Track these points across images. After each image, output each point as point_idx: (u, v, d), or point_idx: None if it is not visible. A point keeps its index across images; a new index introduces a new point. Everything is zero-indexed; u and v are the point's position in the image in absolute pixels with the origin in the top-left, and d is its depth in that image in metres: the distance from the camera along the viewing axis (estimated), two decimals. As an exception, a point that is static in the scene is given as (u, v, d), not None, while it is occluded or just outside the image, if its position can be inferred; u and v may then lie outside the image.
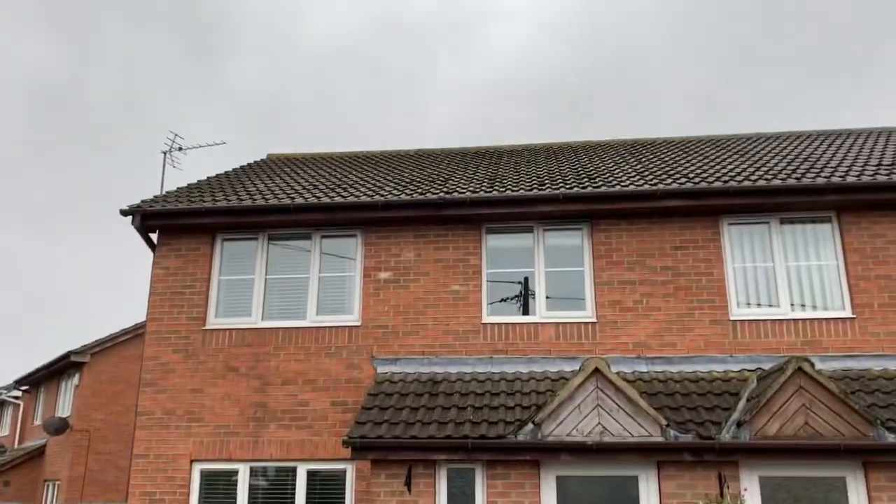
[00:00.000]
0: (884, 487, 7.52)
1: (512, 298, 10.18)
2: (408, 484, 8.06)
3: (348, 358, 9.99)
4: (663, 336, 9.55)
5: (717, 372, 9.12)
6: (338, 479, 9.60)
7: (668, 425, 7.78)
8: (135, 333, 21.38)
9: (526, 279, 10.13)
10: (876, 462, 7.56)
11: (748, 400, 8.15)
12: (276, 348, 10.13)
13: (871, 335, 9.22)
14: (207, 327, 10.30)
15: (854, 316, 9.36)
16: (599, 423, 7.88)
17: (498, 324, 9.88)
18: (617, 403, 7.90)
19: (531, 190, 9.94)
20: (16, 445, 26.02)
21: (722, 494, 7.59)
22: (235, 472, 9.73)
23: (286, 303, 10.45)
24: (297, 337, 10.15)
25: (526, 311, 10.05)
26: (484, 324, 9.90)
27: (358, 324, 10.12)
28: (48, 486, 21.58)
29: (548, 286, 9.99)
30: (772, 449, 7.57)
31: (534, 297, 10.00)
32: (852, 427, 7.52)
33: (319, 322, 10.20)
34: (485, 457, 7.98)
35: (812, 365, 7.76)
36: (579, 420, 7.92)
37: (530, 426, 8.01)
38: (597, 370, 7.98)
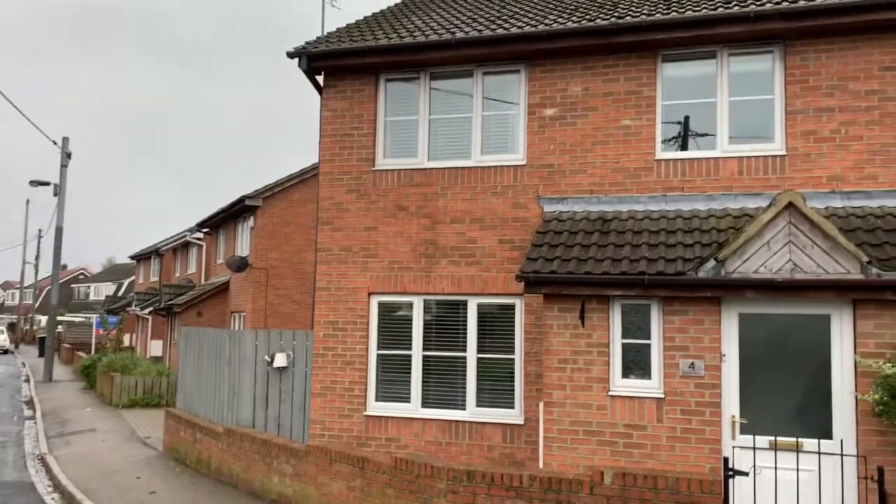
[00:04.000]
0: None
1: (691, 134, 9.52)
2: (581, 318, 8.09)
3: (514, 197, 9.90)
4: (864, 168, 8.65)
5: (926, 206, 8.23)
6: (507, 313, 9.83)
7: (869, 262, 7.19)
8: (300, 179, 22.48)
9: (687, 118, 9.40)
10: None
11: (967, 236, 7.33)
12: (443, 188, 10.20)
13: None
14: (377, 168, 10.50)
15: None
16: (790, 259, 7.42)
17: (673, 160, 9.32)
18: (811, 239, 7.37)
19: (716, 9, 8.96)
20: (202, 282, 28.91)
21: (928, 335, 7.06)
22: (410, 304, 10.19)
23: (451, 143, 10.38)
24: (462, 177, 10.14)
25: (685, 147, 9.40)
26: (658, 160, 9.38)
27: (523, 163, 9.92)
28: (235, 316, 23.95)
29: (730, 118, 9.21)
30: None
31: (692, 136, 9.29)
32: None
33: (484, 162, 10.10)
34: (662, 293, 7.80)
35: None
36: (768, 257, 7.48)
37: (712, 263, 7.68)
38: (790, 205, 7.41)
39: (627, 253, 8.20)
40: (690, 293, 7.72)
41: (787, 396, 7.64)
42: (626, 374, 8.04)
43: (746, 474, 6.67)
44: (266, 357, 11.10)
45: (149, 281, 39.14)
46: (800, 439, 7.34)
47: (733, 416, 7.68)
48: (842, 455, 6.68)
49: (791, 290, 7.39)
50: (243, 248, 23.70)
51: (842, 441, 6.98)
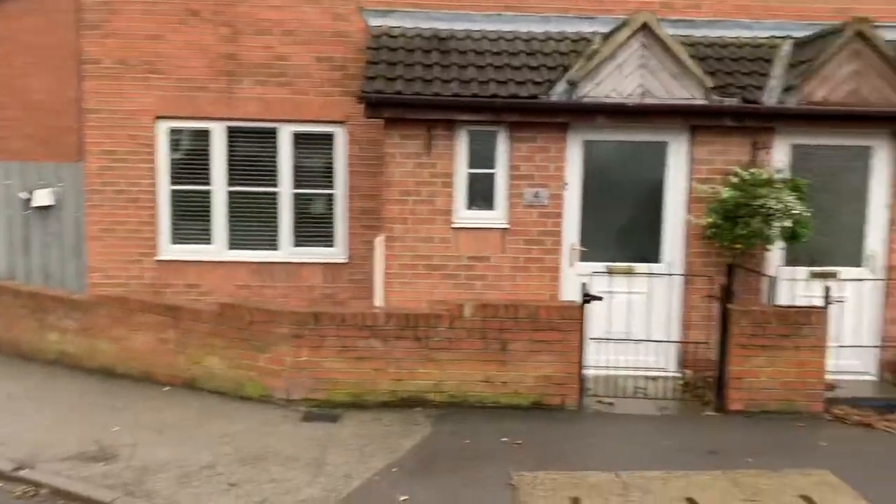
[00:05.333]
0: (908, 156, 7.53)
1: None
2: (428, 145, 7.38)
3: (332, 6, 8.59)
4: (689, -4, 8.63)
5: (745, 38, 8.44)
6: (326, 143, 8.80)
7: (713, 88, 7.25)
8: (20, -17, 18.23)
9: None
10: (907, 131, 7.46)
11: (792, 66, 7.64)
12: (246, -10, 8.54)
13: (903, 6, 8.64)
14: (158, -41, 8.47)
15: (891, -17, 8.68)
16: (641, 84, 7.24)
17: (488, -28, 8.59)
18: (662, 64, 7.21)
19: None
20: None
21: (754, 161, 7.41)
22: (209, 131, 8.70)
23: (252, -66, 8.62)
24: (269, -22, 8.54)
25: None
26: (463, -29, 8.59)
27: (342, -34, 8.56)
28: None
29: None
30: (817, 115, 7.28)
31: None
32: (899, 96, 7.25)
33: (296, -39, 8.56)
34: (513, 118, 7.31)
35: (873, 28, 7.20)
36: (619, 80, 7.23)
37: (564, 86, 7.29)
38: (645, 25, 7.11)
39: (474, 75, 7.50)
40: (541, 118, 7.31)
41: (624, 223, 7.75)
42: (470, 206, 7.58)
43: (601, 299, 6.68)
44: (22, 195, 9.01)
45: None
46: (636, 263, 7.54)
47: (573, 245, 7.64)
48: (686, 275, 6.95)
49: (641, 115, 7.28)
50: (-54, 68, 19.13)
51: (685, 263, 7.29)
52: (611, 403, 6.76)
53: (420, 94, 7.15)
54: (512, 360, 6.47)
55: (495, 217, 7.57)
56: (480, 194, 7.58)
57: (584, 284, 6.61)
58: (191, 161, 8.79)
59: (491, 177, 7.55)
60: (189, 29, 8.54)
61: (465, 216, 7.56)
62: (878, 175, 7.61)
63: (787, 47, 8.18)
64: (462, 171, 7.52)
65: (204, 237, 8.85)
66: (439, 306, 6.61)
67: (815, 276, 7.54)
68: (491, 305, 6.47)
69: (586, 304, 6.55)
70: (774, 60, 7.97)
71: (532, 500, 4.77)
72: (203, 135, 8.73)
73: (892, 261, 7.63)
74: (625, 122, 7.37)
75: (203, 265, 8.81)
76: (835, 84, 7.25)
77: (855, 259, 7.70)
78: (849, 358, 7.42)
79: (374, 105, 7.16)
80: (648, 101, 7.22)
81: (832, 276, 7.52)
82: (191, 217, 8.83)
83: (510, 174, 7.51)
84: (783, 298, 7.35)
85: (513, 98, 7.16)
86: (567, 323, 6.45)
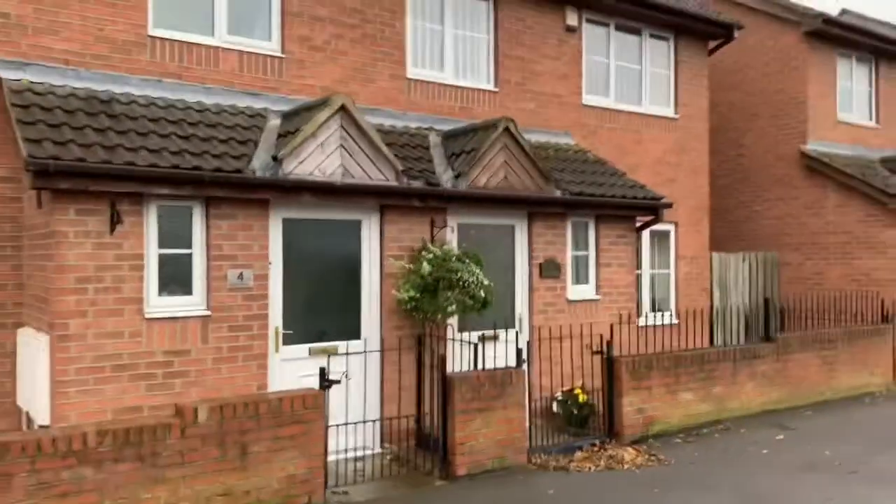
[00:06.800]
0: (541, 232, 9.00)
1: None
2: (112, 223, 6.24)
3: (-64, 49, 6.78)
4: (348, 84, 9.04)
5: (398, 126, 9.18)
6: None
7: (404, 171, 7.69)
8: None
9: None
10: (540, 213, 8.95)
11: (455, 154, 8.53)
12: None
13: (506, 108, 10.40)
14: None
15: (497, 90, 10.41)
16: (342, 164, 7.30)
17: (169, 40, 7.90)
18: (359, 145, 7.40)
19: None
20: None
21: (433, 239, 8.03)
22: None
23: None
24: None
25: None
26: (151, 36, 7.80)
27: (-48, 2, 6.84)
28: None
29: (229, 5, 8.32)
30: (482, 198, 8.25)
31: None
32: (535, 182, 8.68)
33: None
34: (216, 192, 6.66)
35: (516, 125, 8.52)
36: (322, 159, 7.19)
37: (267, 161, 6.95)
38: (343, 107, 7.25)
39: (162, 144, 6.64)
40: (246, 194, 6.82)
41: (326, 302, 7.62)
42: (164, 292, 6.59)
43: (339, 382, 6.41)
44: None
45: None
46: (338, 342, 7.45)
47: (277, 328, 7.21)
48: (383, 350, 7.08)
49: (342, 194, 7.32)
50: None
51: (382, 338, 7.40)
52: (346, 492, 6.47)
53: (109, 161, 6.04)
54: (253, 464, 5.75)
55: (194, 303, 6.72)
56: (175, 278, 6.66)
57: (322, 369, 6.28)
58: None
59: (188, 258, 6.72)
60: None
61: (159, 305, 6.54)
62: (520, 248, 8.94)
63: (434, 137, 9.15)
64: (153, 253, 6.53)
65: None
66: (166, 413, 5.56)
67: (482, 339, 8.40)
68: (229, 405, 5.68)
69: (327, 390, 6.22)
70: (432, 149, 8.84)
71: None
72: None
73: (533, 321, 8.98)
74: (326, 200, 7.33)
75: None
76: (492, 171, 8.36)
77: (510, 322, 8.83)
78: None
79: (51, 173, 5.79)
80: (349, 181, 7.32)
81: (495, 338, 8.45)
82: None
83: (210, 255, 6.78)
84: (458, 362, 7.97)
85: (218, 171, 6.54)
86: (310, 413, 6.03)
